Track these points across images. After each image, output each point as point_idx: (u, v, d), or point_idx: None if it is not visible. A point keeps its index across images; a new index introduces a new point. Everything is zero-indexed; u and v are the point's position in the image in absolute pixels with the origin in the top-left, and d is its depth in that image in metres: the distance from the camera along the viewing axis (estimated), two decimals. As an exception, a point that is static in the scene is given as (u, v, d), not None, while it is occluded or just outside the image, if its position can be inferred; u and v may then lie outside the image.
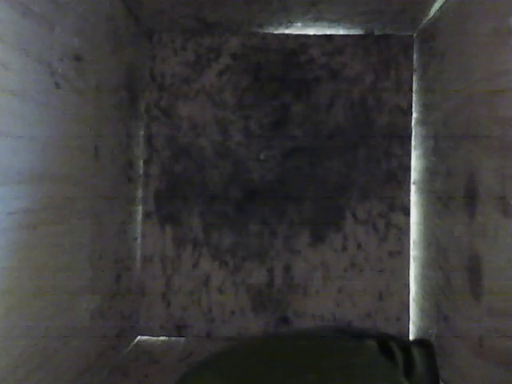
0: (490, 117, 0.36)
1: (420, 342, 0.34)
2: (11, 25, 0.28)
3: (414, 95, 0.57)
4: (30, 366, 0.31)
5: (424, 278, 0.51)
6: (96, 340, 0.43)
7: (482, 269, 0.37)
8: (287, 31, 0.57)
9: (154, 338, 0.57)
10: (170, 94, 0.58)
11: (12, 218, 0.29)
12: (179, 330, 0.57)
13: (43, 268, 0.33)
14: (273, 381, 0.29)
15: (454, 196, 0.43)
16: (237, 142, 0.58)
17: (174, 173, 0.58)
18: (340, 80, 0.57)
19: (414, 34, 0.57)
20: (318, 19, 0.53)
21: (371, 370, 0.30)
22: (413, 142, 0.57)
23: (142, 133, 0.57)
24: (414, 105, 0.57)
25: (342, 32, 0.57)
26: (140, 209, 0.57)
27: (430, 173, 0.50)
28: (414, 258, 0.56)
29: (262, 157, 0.57)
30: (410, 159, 0.57)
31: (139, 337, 0.57)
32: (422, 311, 0.52)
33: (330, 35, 0.58)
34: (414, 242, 0.56)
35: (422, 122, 0.53)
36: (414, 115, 0.56)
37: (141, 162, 0.57)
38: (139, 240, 0.57)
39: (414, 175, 0.56)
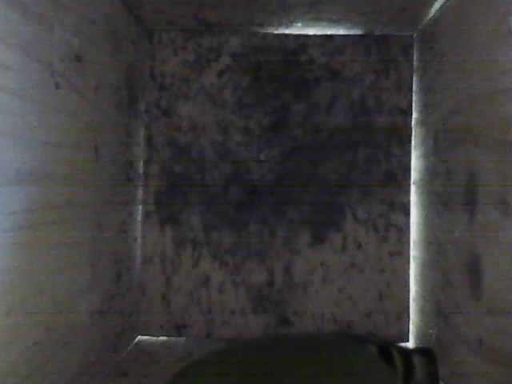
0: (490, 117, 0.36)
1: (421, 350, 0.34)
2: (11, 25, 0.28)
3: (414, 95, 0.57)
4: (30, 366, 0.31)
5: (424, 277, 0.51)
6: (96, 340, 0.43)
7: (481, 269, 0.37)
8: (287, 31, 0.57)
9: (154, 337, 0.57)
10: (169, 93, 0.58)
11: (12, 219, 0.29)
12: (179, 329, 0.57)
13: (43, 268, 0.33)
14: (272, 381, 0.29)
15: (454, 196, 0.43)
16: (237, 142, 0.58)
17: (174, 173, 0.58)
18: (340, 80, 0.57)
19: (414, 34, 0.57)
20: (317, 19, 0.53)
21: (370, 373, 0.30)
22: (413, 142, 0.57)
23: (142, 133, 0.57)
24: (414, 105, 0.57)
25: (342, 32, 0.57)
26: (140, 209, 0.57)
27: (429, 173, 0.50)
28: (414, 258, 0.56)
29: (262, 157, 0.57)
30: (410, 159, 0.57)
31: (139, 337, 0.57)
32: (422, 311, 0.52)
33: (330, 35, 0.58)
34: (414, 242, 0.56)
35: (422, 122, 0.53)
36: (414, 115, 0.56)
37: (141, 162, 0.57)
38: (139, 240, 0.57)
39: (414, 175, 0.56)
